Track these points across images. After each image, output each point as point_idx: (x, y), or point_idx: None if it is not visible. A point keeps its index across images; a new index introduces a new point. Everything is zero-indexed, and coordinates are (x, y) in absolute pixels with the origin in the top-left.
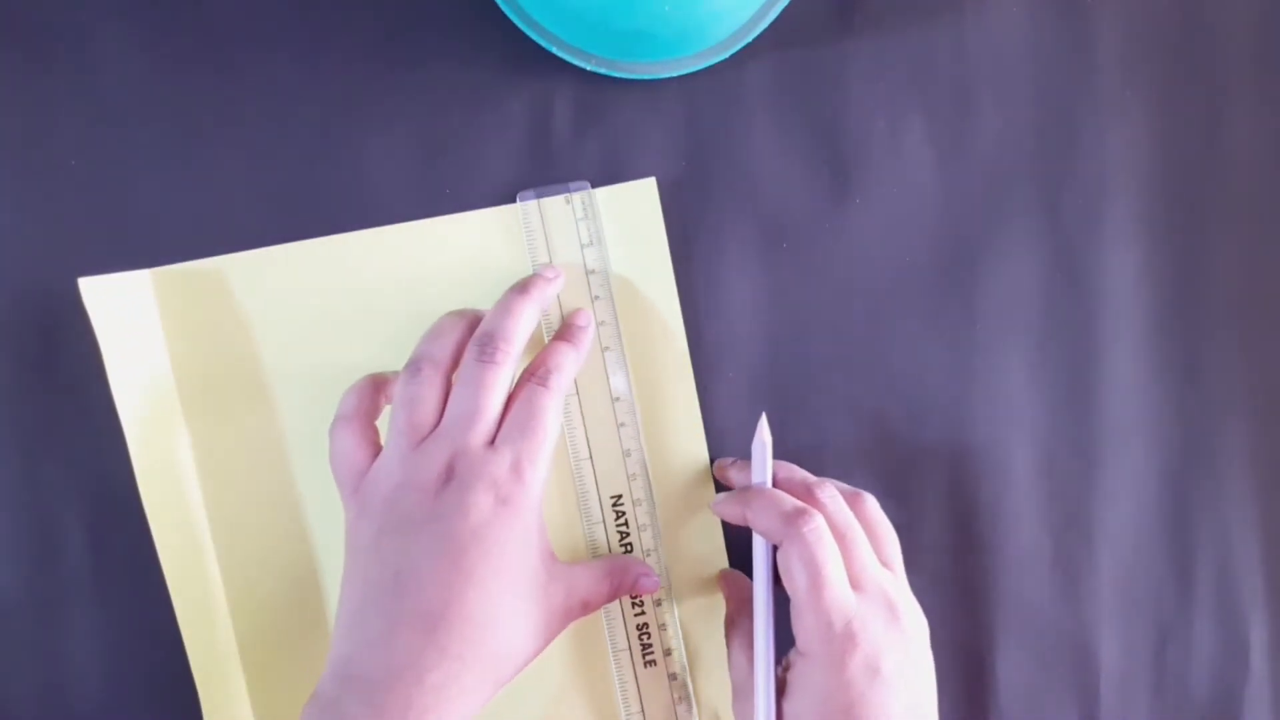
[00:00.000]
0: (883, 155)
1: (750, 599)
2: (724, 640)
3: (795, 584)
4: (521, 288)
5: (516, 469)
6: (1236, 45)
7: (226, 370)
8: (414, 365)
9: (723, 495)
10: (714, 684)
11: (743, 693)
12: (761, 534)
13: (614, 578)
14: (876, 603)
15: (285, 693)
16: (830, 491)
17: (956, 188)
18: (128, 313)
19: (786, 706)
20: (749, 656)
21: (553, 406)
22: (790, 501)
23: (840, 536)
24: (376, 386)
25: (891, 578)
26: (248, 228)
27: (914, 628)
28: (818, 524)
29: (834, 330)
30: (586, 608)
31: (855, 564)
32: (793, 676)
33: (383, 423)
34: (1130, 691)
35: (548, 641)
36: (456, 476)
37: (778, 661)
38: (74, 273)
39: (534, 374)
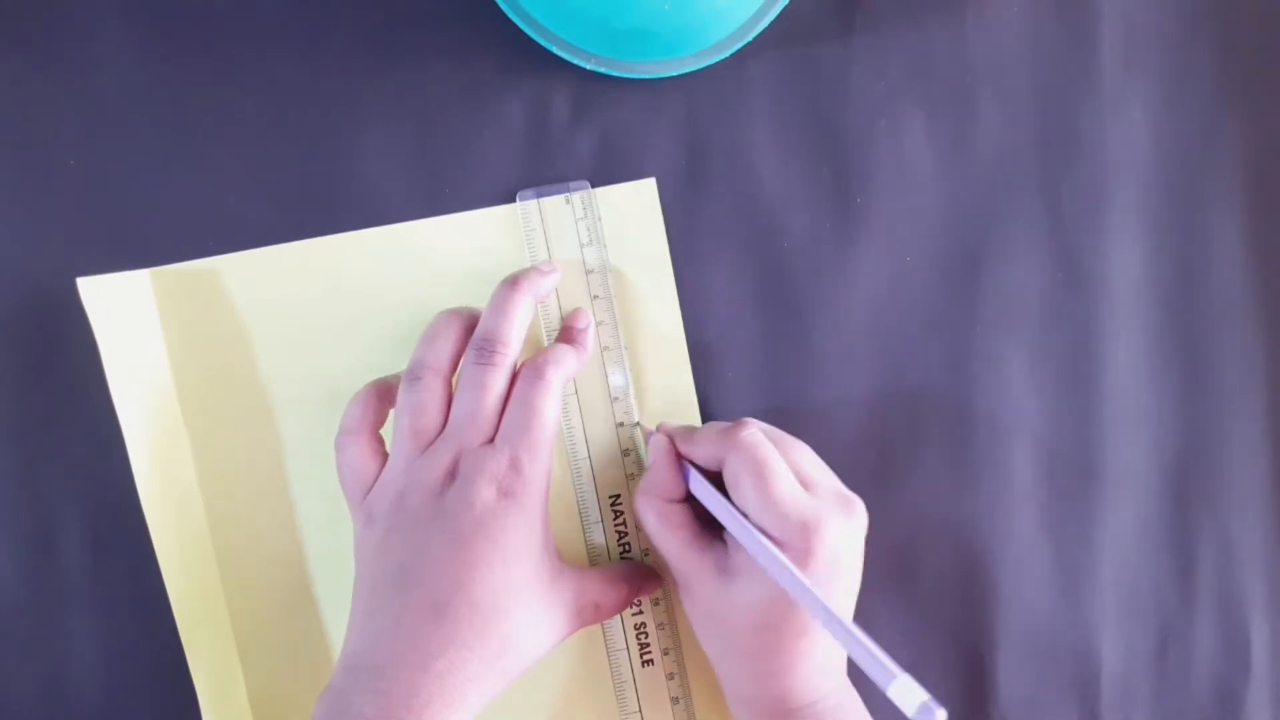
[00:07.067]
0: (883, 155)
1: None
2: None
3: (746, 490)
4: (513, 282)
5: (516, 464)
6: (1237, 44)
7: (225, 369)
8: (414, 372)
9: (664, 437)
10: (711, 684)
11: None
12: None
13: (629, 582)
14: (830, 498)
15: (283, 692)
16: (753, 421)
17: (956, 187)
18: (127, 313)
19: (735, 590)
20: (684, 537)
21: (549, 401)
22: (724, 424)
23: (776, 444)
24: (380, 395)
25: (832, 475)
26: (247, 227)
27: (863, 517)
28: (753, 430)
29: (834, 330)
30: (598, 611)
31: (799, 469)
32: (738, 562)
33: (387, 430)
34: (1131, 692)
35: (557, 640)
36: (460, 474)
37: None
38: (73, 272)
39: (530, 370)
